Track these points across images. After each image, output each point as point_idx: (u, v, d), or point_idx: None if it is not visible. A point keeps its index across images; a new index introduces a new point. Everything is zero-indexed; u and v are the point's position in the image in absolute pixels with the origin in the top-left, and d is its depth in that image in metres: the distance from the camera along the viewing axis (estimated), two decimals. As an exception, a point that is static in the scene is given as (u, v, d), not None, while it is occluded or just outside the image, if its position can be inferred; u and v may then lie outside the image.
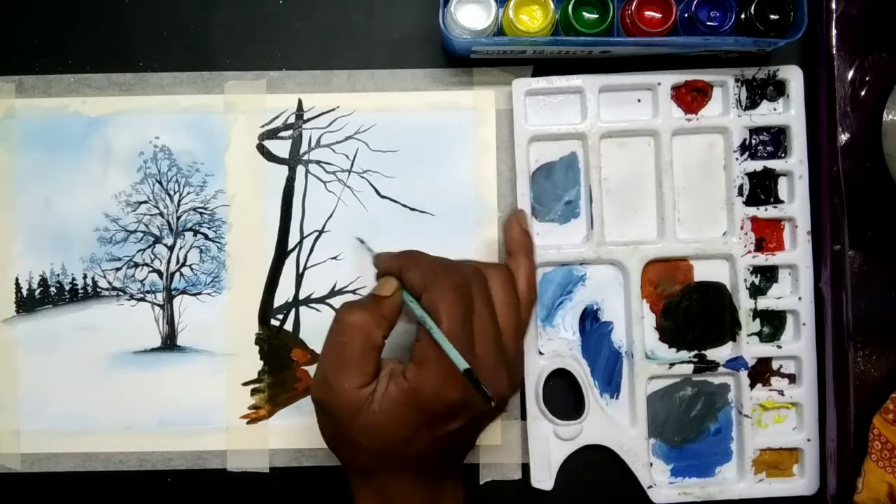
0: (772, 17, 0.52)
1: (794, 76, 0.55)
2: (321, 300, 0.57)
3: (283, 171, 0.57)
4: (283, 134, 0.57)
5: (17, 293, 0.57)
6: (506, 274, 0.50)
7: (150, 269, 0.57)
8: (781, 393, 0.56)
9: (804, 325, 0.55)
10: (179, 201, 0.57)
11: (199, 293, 0.57)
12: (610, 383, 0.56)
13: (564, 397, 0.56)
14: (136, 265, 0.57)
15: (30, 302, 0.57)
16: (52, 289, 0.57)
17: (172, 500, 0.56)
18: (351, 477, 0.49)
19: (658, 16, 0.53)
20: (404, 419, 0.46)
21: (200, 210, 0.57)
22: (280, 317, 0.57)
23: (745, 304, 0.56)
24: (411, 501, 0.48)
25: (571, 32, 0.53)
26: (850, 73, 0.54)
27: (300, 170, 0.57)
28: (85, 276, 0.57)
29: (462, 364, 0.44)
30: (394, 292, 0.48)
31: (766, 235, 0.56)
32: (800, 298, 0.55)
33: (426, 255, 0.49)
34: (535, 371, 0.55)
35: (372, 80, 0.57)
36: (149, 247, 0.57)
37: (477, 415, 0.47)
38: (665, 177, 0.56)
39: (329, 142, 0.57)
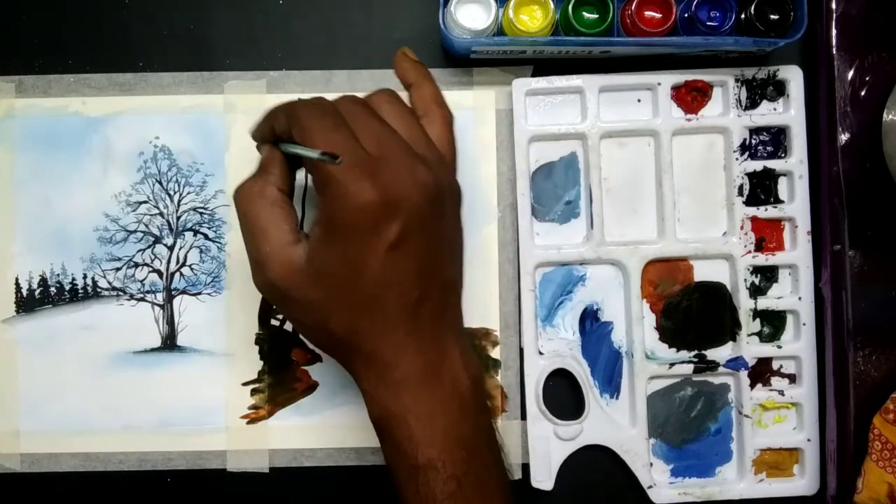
0: (772, 17, 0.52)
1: (794, 76, 0.55)
2: (321, 300, 0.57)
3: (283, 171, 0.57)
4: (283, 134, 0.57)
5: (17, 293, 0.57)
6: (387, 94, 0.48)
7: (150, 269, 0.57)
8: (781, 393, 0.56)
9: (804, 325, 0.55)
10: (179, 201, 0.57)
11: (199, 293, 0.57)
12: (610, 383, 0.56)
13: (564, 397, 0.56)
14: (136, 265, 0.57)
15: (30, 302, 0.57)
16: (52, 289, 0.57)
17: (172, 500, 0.56)
18: (342, 362, 0.47)
19: (658, 16, 0.53)
20: (338, 251, 0.43)
21: (200, 210, 0.57)
22: (280, 317, 0.57)
23: (745, 304, 0.56)
24: (410, 363, 0.45)
25: (571, 32, 0.53)
26: (850, 73, 0.54)
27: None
28: (85, 276, 0.57)
29: (312, 153, 0.43)
30: (268, 151, 0.47)
31: (766, 235, 0.56)
32: (800, 298, 0.55)
33: (284, 101, 0.47)
34: (535, 371, 0.55)
35: (372, 80, 0.57)
36: (149, 247, 0.57)
37: (411, 215, 0.44)
38: (665, 177, 0.56)
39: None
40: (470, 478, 0.45)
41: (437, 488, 0.44)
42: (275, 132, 0.47)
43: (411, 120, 0.47)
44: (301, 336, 0.47)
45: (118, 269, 0.57)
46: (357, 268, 0.44)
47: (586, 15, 0.53)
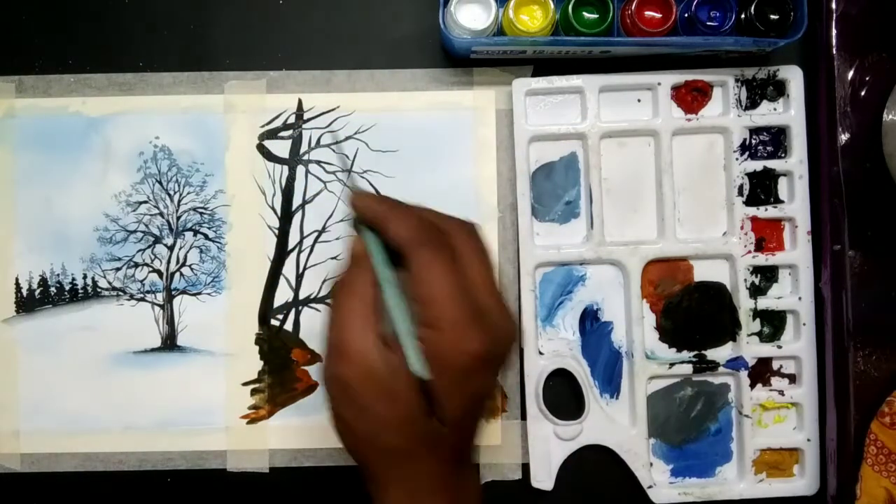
0: (772, 17, 0.52)
1: (794, 76, 0.55)
2: (321, 300, 0.57)
3: (283, 171, 0.57)
4: (283, 134, 0.57)
5: (17, 293, 0.57)
6: (472, 230, 0.46)
7: (150, 269, 0.57)
8: (781, 393, 0.56)
9: (804, 325, 0.55)
10: (179, 201, 0.57)
11: (199, 293, 0.57)
12: (610, 383, 0.56)
13: (564, 397, 0.56)
14: (136, 265, 0.57)
15: (30, 302, 0.57)
16: (52, 289, 0.57)
17: (172, 500, 0.56)
18: (378, 477, 0.45)
19: (658, 16, 0.53)
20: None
21: (200, 210, 0.57)
22: (280, 317, 0.57)
23: (745, 304, 0.56)
24: (437, 492, 0.44)
25: (571, 32, 0.53)
26: (850, 73, 0.54)
27: (300, 170, 0.57)
28: (85, 276, 0.57)
29: (417, 370, 0.42)
30: (363, 250, 0.44)
31: (766, 235, 0.56)
32: (800, 298, 0.55)
33: (405, 206, 0.46)
34: (535, 371, 0.55)
35: (372, 80, 0.57)
36: (149, 247, 0.57)
37: (498, 365, 0.44)
38: (665, 177, 0.56)
39: (329, 142, 0.57)
40: None
41: None
42: (376, 220, 0.45)
43: (485, 260, 0.46)
44: (337, 432, 0.46)
45: (118, 269, 0.57)
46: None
47: (586, 15, 0.53)
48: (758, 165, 0.56)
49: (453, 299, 0.42)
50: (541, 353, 0.56)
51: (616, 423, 0.56)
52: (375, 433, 0.44)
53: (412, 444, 0.43)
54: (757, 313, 0.56)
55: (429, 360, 0.42)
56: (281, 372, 0.56)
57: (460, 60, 0.56)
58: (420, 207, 0.46)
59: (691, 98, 0.56)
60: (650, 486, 0.55)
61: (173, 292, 0.57)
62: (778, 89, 0.56)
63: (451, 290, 0.42)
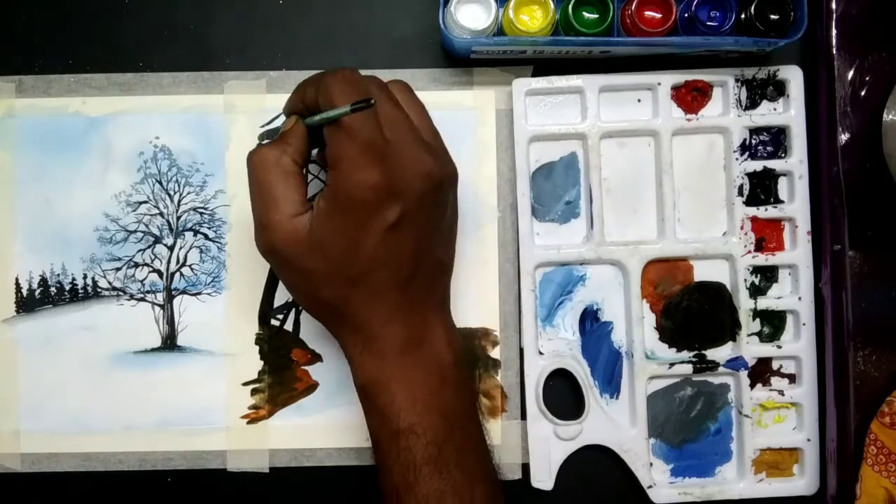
0: (772, 17, 0.52)
1: (794, 76, 0.55)
2: (321, 300, 0.57)
3: (283, 171, 0.57)
4: (283, 134, 0.57)
5: (17, 293, 0.57)
6: (402, 83, 0.49)
7: (150, 269, 0.57)
8: (781, 393, 0.56)
9: (804, 325, 0.55)
10: (179, 201, 0.57)
11: (199, 293, 0.57)
12: (610, 383, 0.56)
13: (564, 397, 0.56)
14: (136, 265, 0.57)
15: (30, 302, 0.57)
16: (52, 289, 0.57)
17: (172, 500, 0.56)
18: (331, 329, 0.49)
19: (658, 16, 0.53)
20: (339, 225, 0.45)
21: (200, 210, 0.57)
22: (280, 317, 0.57)
23: (745, 304, 0.56)
24: (395, 334, 0.47)
25: (571, 32, 0.53)
26: (850, 73, 0.54)
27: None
28: (85, 276, 0.57)
29: (345, 109, 0.44)
30: (294, 123, 0.48)
31: (766, 235, 0.56)
32: (800, 298, 0.55)
33: (316, 73, 0.48)
34: (535, 371, 0.55)
35: (372, 80, 0.57)
36: (149, 247, 0.57)
37: (412, 201, 0.46)
38: (665, 177, 0.56)
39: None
40: (449, 445, 0.47)
41: (417, 453, 0.46)
42: (303, 105, 0.48)
43: (421, 109, 0.49)
44: (294, 299, 0.50)
45: (118, 269, 0.57)
46: (355, 243, 0.46)
47: (586, 15, 0.53)
48: (758, 165, 0.56)
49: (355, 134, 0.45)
50: (541, 353, 0.56)
51: (616, 423, 0.56)
52: (316, 289, 0.47)
53: (348, 290, 0.47)
54: (757, 313, 0.56)
55: (330, 203, 0.45)
56: (281, 372, 0.56)
57: (460, 60, 0.56)
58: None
59: (691, 98, 0.56)
60: (650, 486, 0.55)
61: (173, 292, 0.57)
62: (778, 89, 0.56)
63: (352, 124, 0.45)
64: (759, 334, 0.56)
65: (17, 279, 0.57)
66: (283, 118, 0.56)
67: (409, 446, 0.46)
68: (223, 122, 0.57)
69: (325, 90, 0.46)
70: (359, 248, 0.46)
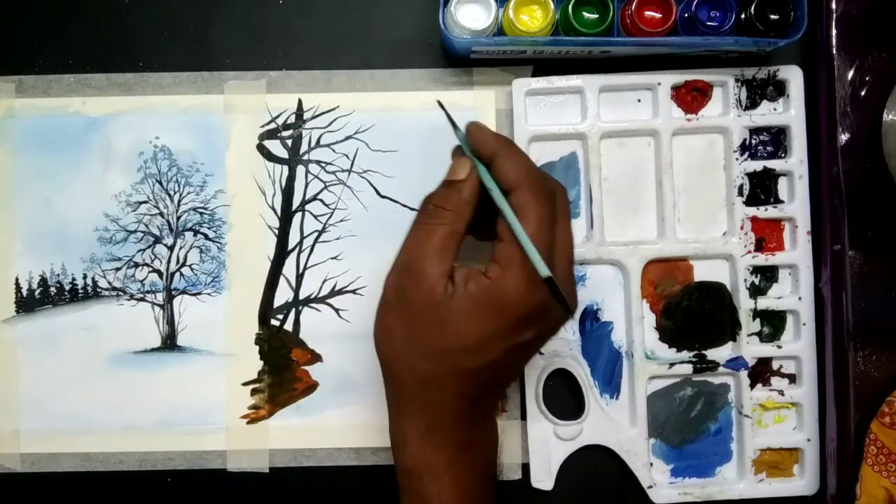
0: (772, 17, 0.52)
1: (794, 76, 0.55)
2: (321, 300, 0.57)
3: (284, 171, 0.57)
4: (283, 134, 0.57)
5: (17, 293, 0.57)
6: (565, 190, 0.48)
7: (150, 269, 0.57)
8: (781, 393, 0.56)
9: (804, 325, 0.55)
10: (179, 201, 0.57)
11: (199, 293, 0.57)
12: (610, 383, 0.56)
13: (564, 397, 0.56)
14: (136, 265, 0.57)
15: (30, 302, 0.57)
16: (52, 289, 0.57)
17: (172, 500, 0.56)
18: (399, 394, 0.47)
19: (658, 16, 0.53)
20: (481, 320, 0.44)
21: (200, 210, 0.57)
22: (280, 317, 0.57)
23: (745, 304, 0.56)
24: (461, 432, 0.46)
25: (571, 32, 0.53)
26: (850, 73, 0.54)
27: (300, 170, 0.57)
28: (85, 276, 0.57)
29: (544, 271, 0.43)
30: (469, 175, 0.46)
31: (766, 235, 0.56)
32: (800, 298, 0.55)
33: (520, 149, 0.47)
34: (535, 371, 0.55)
35: (372, 80, 0.57)
36: (149, 247, 0.57)
37: (548, 330, 0.47)
38: (665, 177, 0.56)
39: (329, 142, 0.57)
40: None
41: None
42: (495, 158, 0.46)
43: (572, 233, 0.49)
44: (377, 339, 0.47)
45: (118, 269, 0.57)
46: (484, 342, 0.44)
47: (586, 15, 0.53)
48: (758, 165, 0.56)
49: (537, 244, 0.44)
50: (541, 353, 0.56)
51: (616, 423, 0.56)
52: (416, 356, 0.45)
53: (447, 377, 0.45)
54: (757, 313, 0.56)
55: (485, 295, 0.44)
56: (281, 372, 0.56)
57: (460, 60, 0.56)
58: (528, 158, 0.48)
59: (691, 98, 0.56)
60: (650, 486, 0.55)
61: (173, 292, 0.57)
62: (778, 89, 0.56)
63: (537, 234, 0.44)
64: (759, 334, 0.56)
65: (17, 279, 0.57)
66: (282, 119, 0.57)
67: None
68: (223, 122, 0.57)
69: (526, 201, 0.44)
70: (484, 349, 0.44)
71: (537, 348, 0.50)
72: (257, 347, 0.57)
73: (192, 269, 0.57)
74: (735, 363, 0.56)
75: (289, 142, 0.57)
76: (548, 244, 0.44)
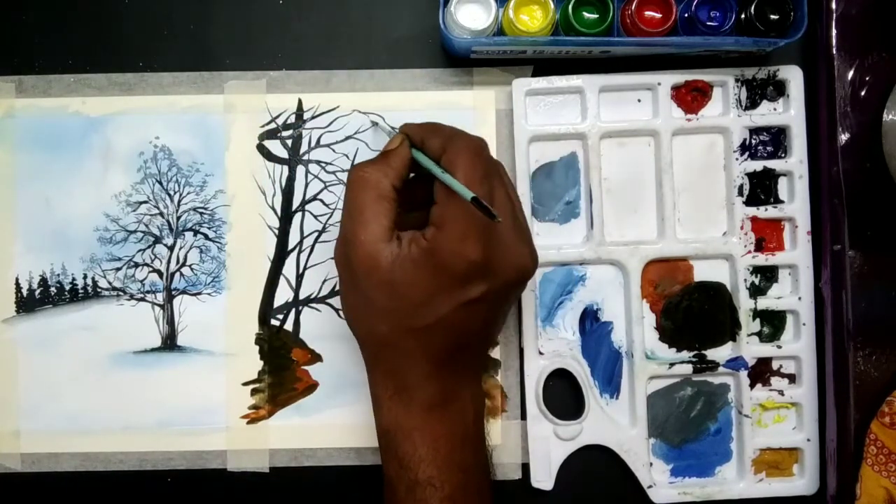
0: (772, 17, 0.52)
1: (794, 76, 0.55)
2: (321, 300, 0.57)
3: (284, 171, 0.57)
4: (283, 134, 0.57)
5: (17, 293, 0.57)
6: (501, 165, 0.50)
7: (150, 269, 0.57)
8: (781, 393, 0.56)
9: (804, 325, 0.55)
10: (179, 201, 0.57)
11: (199, 293, 0.57)
12: (610, 383, 0.56)
13: (564, 397, 0.56)
14: (136, 265, 0.57)
15: (30, 302, 0.57)
16: (52, 289, 0.57)
17: (172, 500, 0.56)
18: (368, 360, 0.49)
19: (658, 16, 0.53)
20: (423, 279, 0.45)
21: (200, 210, 0.57)
22: (280, 317, 0.57)
23: (745, 304, 0.56)
24: (427, 392, 0.47)
25: (571, 32, 0.53)
26: (850, 73, 0.54)
27: (300, 170, 0.57)
28: (85, 276, 0.57)
29: (466, 193, 0.44)
30: (400, 144, 0.48)
31: (766, 235, 0.56)
32: (800, 298, 0.55)
33: (447, 125, 0.49)
34: (535, 371, 0.55)
35: (372, 80, 0.57)
36: (149, 247, 0.57)
37: (498, 287, 0.47)
38: (665, 177, 0.56)
39: (329, 142, 0.57)
40: (464, 500, 0.47)
41: None
42: (420, 140, 0.48)
43: (517, 197, 0.50)
44: (343, 314, 0.49)
45: (118, 269, 0.57)
46: (429, 300, 0.46)
47: (586, 15, 0.53)
48: (758, 165, 0.56)
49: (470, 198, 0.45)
50: (541, 353, 0.56)
51: (616, 423, 0.56)
52: (372, 320, 0.47)
53: (402, 337, 0.47)
54: (757, 313, 0.56)
55: (423, 255, 0.45)
56: (281, 372, 0.56)
57: (460, 60, 0.56)
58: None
59: (691, 98, 0.56)
60: (650, 486, 0.55)
61: (173, 292, 0.57)
62: (778, 89, 0.56)
63: (467, 181, 0.45)
64: (759, 334, 0.56)
65: (17, 279, 0.57)
66: (282, 119, 0.57)
67: (425, 498, 0.47)
68: (223, 122, 0.57)
69: (453, 156, 0.46)
70: (431, 306, 0.46)
71: (500, 306, 0.50)
72: (257, 347, 0.57)
73: (192, 269, 0.57)
74: (735, 363, 0.56)
75: (289, 142, 0.57)
76: (482, 194, 0.45)
